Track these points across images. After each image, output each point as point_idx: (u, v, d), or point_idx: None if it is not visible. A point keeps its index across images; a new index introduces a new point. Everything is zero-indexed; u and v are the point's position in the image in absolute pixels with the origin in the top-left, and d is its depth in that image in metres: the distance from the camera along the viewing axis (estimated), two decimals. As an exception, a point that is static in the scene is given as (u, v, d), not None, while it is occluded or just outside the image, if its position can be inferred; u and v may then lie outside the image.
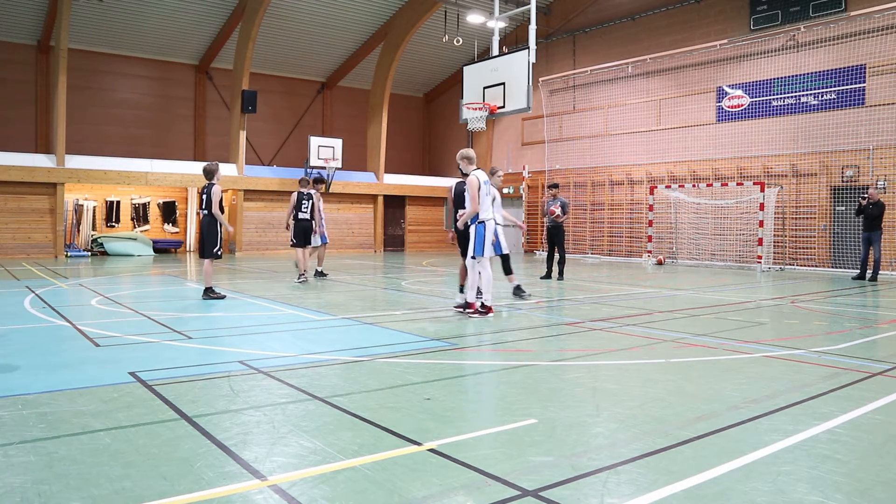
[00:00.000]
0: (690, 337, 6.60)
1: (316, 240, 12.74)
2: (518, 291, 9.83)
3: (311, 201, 12.22)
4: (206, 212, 9.37)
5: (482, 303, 7.94)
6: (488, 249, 7.96)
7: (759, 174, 17.62)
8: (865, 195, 13.62)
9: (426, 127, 29.96)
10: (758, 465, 3.04)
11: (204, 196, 9.39)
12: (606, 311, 8.61)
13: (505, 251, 9.59)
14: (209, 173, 9.41)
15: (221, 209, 9.47)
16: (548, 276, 13.09)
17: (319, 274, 13.02)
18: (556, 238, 12.96)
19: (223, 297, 9.35)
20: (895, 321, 7.92)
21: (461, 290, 8.78)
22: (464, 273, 8.62)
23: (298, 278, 11.97)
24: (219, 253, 9.43)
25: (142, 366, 4.99)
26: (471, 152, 8.11)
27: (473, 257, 7.91)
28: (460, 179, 8.46)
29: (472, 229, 7.88)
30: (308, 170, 21.79)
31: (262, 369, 4.92)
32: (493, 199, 8.35)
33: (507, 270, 9.97)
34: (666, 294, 10.79)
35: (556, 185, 13.48)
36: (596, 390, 4.48)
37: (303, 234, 12.15)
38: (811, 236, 16.84)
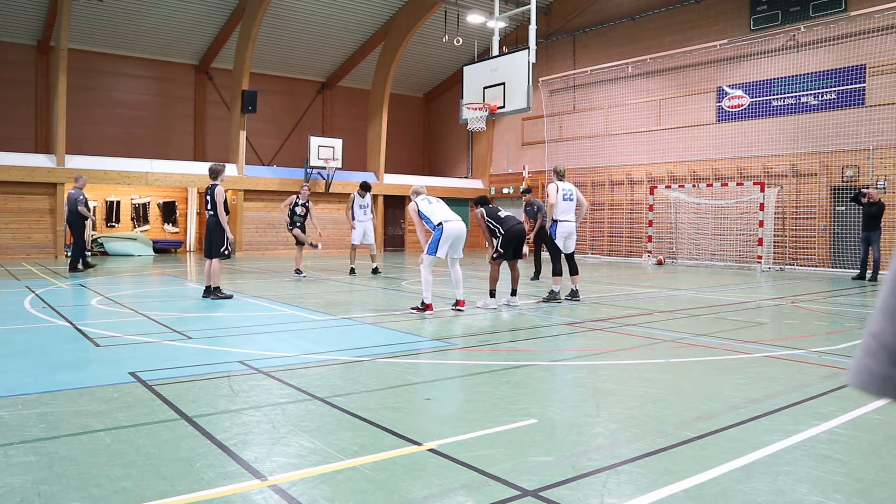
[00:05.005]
0: (690, 337, 6.60)
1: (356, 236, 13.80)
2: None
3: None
4: (211, 212, 9.37)
5: (423, 301, 8.04)
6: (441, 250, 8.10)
7: (759, 174, 17.61)
8: (866, 187, 13.62)
9: (426, 127, 29.94)
10: (758, 465, 3.04)
11: (208, 197, 9.40)
12: (606, 311, 8.61)
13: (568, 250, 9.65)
14: (214, 173, 9.41)
15: (227, 210, 9.47)
16: (535, 276, 13.08)
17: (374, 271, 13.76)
18: (543, 238, 12.92)
19: (230, 297, 9.35)
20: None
21: (492, 295, 8.94)
22: (494, 278, 8.94)
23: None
24: (227, 252, 9.42)
25: (142, 366, 4.99)
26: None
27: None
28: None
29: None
30: (308, 170, 21.80)
31: (262, 369, 4.92)
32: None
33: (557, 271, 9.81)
34: (666, 294, 10.79)
35: (530, 190, 13.47)
36: (596, 390, 4.48)
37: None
38: (811, 236, 16.83)
